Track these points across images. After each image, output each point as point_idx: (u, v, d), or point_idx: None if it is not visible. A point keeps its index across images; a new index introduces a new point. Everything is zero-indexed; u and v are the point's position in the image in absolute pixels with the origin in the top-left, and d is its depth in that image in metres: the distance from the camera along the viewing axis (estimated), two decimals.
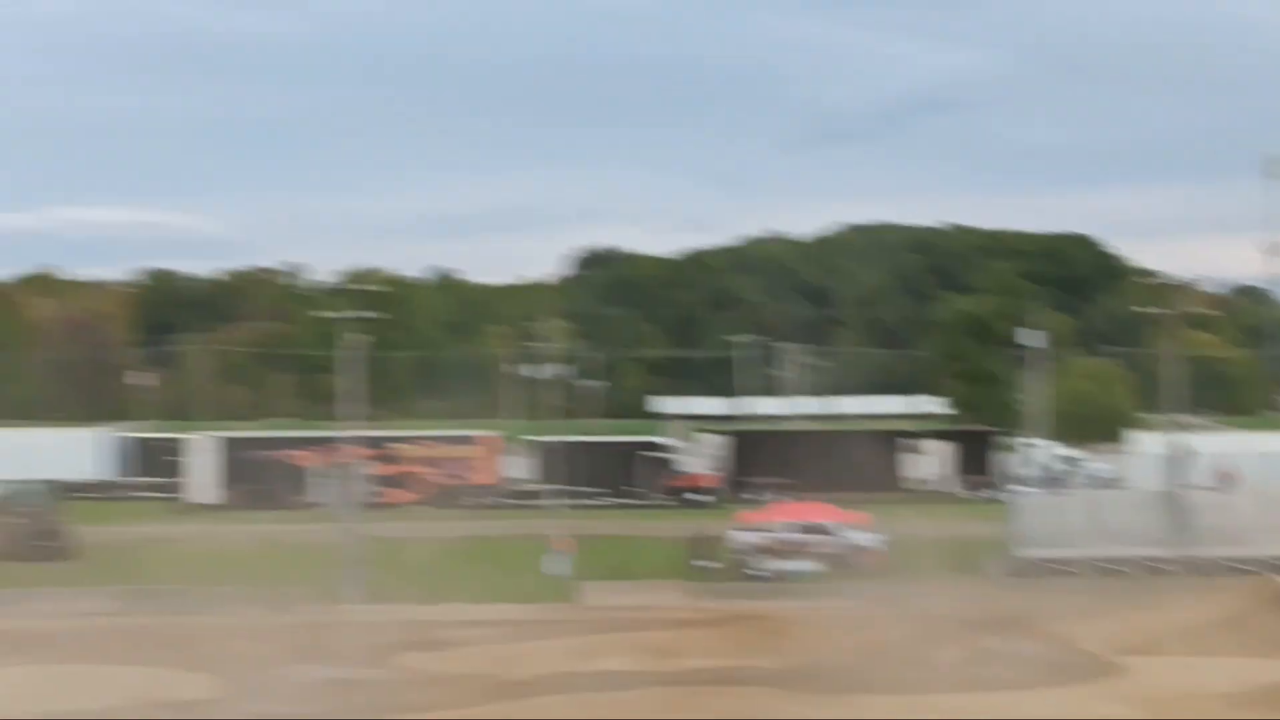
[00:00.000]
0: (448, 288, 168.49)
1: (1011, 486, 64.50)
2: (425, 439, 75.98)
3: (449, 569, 49.78)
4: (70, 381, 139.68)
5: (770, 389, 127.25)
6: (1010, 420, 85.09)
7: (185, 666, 37.45)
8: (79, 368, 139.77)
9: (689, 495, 71.82)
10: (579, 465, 72.95)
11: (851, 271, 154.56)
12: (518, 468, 76.19)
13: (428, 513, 68.11)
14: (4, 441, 77.89)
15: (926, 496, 71.35)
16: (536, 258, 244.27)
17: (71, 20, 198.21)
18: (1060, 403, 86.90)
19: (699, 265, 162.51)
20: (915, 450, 75.10)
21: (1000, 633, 39.98)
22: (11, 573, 50.93)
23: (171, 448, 78.81)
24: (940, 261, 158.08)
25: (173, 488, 75.30)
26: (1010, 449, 76.93)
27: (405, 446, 73.98)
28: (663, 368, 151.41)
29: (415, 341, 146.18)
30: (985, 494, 69.69)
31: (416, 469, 73.04)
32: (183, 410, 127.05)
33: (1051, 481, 70.02)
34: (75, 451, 78.18)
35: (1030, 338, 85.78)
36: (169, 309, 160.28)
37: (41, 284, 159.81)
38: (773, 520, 52.57)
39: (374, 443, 71.43)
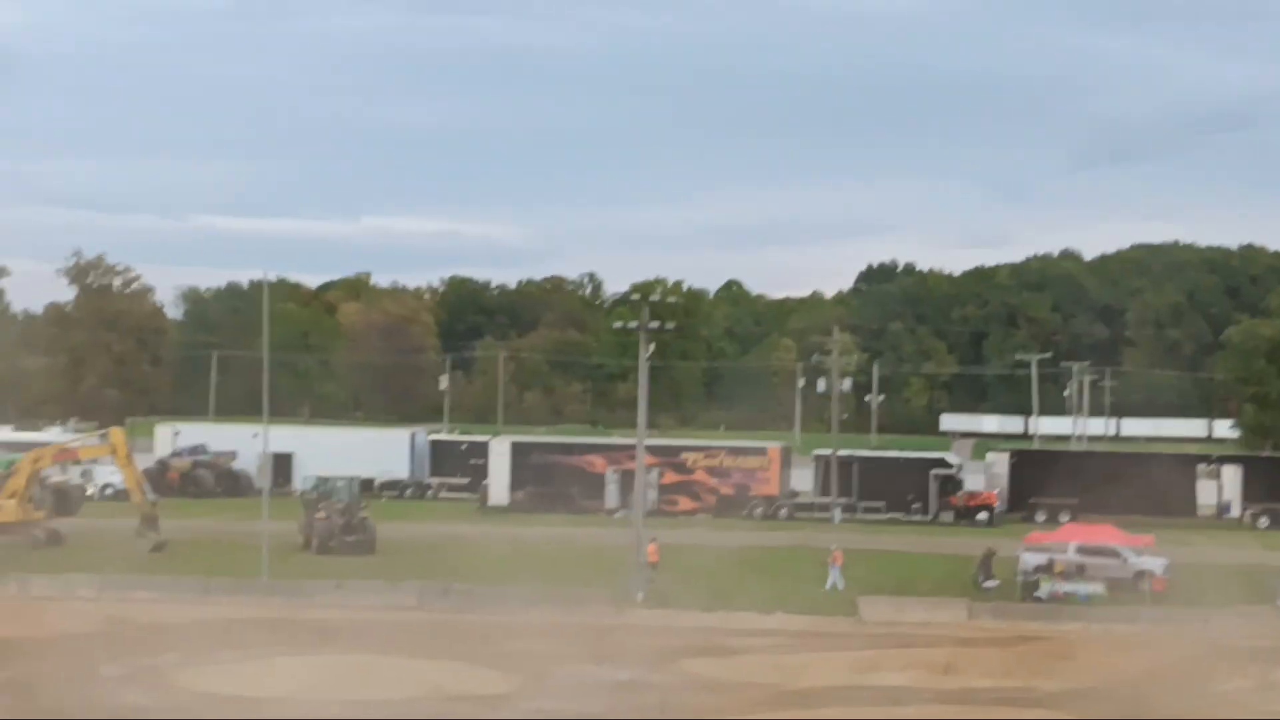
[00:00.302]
0: (735, 299, 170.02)
1: None
2: (713, 449, 77.07)
3: (732, 577, 50.74)
4: (378, 383, 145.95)
5: (1058, 408, 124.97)
6: None
7: (480, 662, 39.04)
8: (387, 370, 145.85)
9: (973, 513, 71.46)
10: (862, 479, 73.21)
11: (1142, 291, 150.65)
12: (802, 480, 76.79)
13: (713, 521, 69.32)
14: (318, 439, 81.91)
15: (1217, 523, 69.62)
16: (823, 270, 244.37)
17: (375, 33, 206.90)
18: None
19: (987, 281, 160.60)
20: (1207, 475, 73.13)
21: None
22: (321, 565, 53.87)
23: (470, 450, 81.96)
24: (1234, 282, 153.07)
25: (471, 488, 78.32)
26: None
27: (693, 455, 75.19)
28: (948, 384, 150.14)
29: (703, 351, 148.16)
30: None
31: (703, 478, 74.24)
32: (482, 414, 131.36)
33: None
34: (383, 451, 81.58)
35: None
36: (470, 315, 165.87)
37: (353, 289, 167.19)
38: (1060, 541, 52.02)
39: (663, 451, 73.07)
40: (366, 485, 69.78)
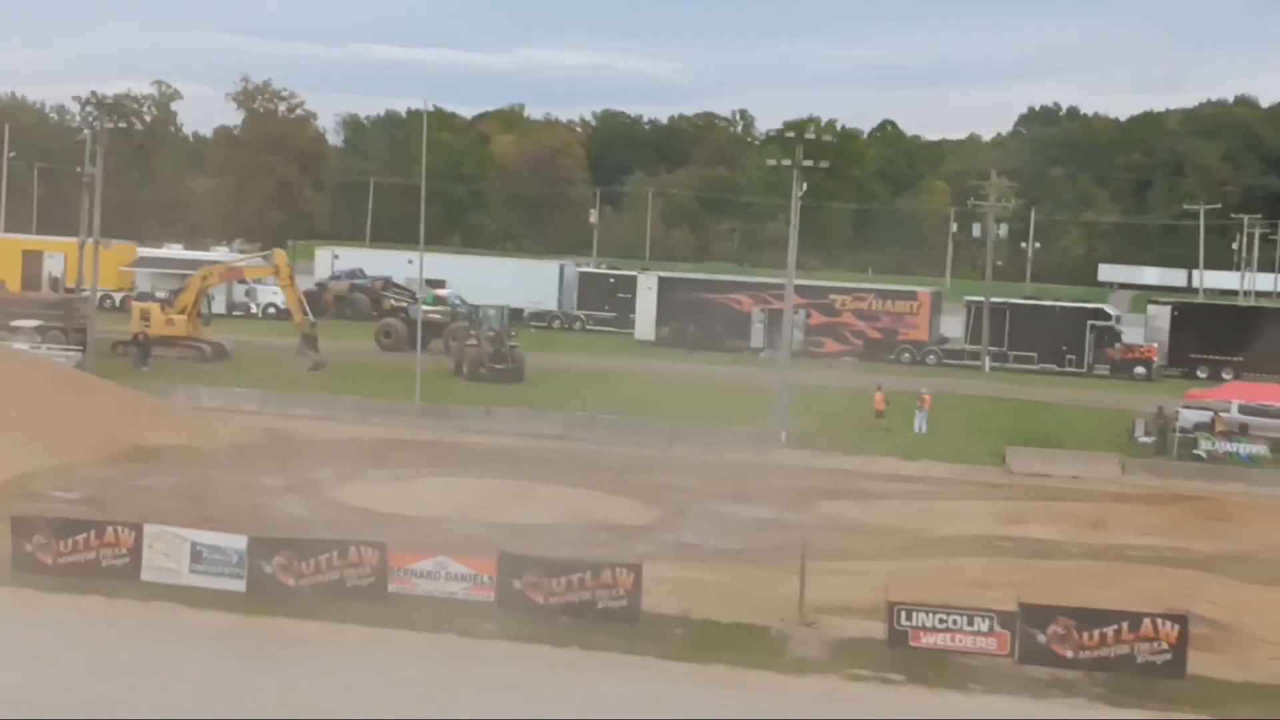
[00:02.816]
0: (889, 139, 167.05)
1: None
2: (861, 291, 76.21)
3: (874, 421, 50.28)
4: (529, 215, 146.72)
5: (1224, 262, 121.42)
6: None
7: (622, 493, 39.20)
8: (537, 202, 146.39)
9: (1130, 366, 70.04)
10: (1015, 328, 72.03)
11: None
12: (952, 327, 75.78)
13: (859, 365, 68.74)
14: (469, 268, 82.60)
15: None
16: (981, 113, 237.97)
17: None
18: None
19: (1155, 127, 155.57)
20: None
21: None
22: (471, 391, 54.48)
23: (617, 284, 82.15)
24: None
25: (617, 322, 78.56)
26: None
27: (841, 297, 74.42)
28: (1109, 233, 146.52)
29: (854, 193, 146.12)
30: None
31: (851, 320, 73.52)
32: (629, 249, 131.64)
33: None
34: (532, 281, 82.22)
35: None
36: (621, 150, 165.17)
37: (507, 121, 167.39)
38: (1222, 399, 50.43)
39: (811, 292, 72.41)
40: (515, 315, 70.27)
